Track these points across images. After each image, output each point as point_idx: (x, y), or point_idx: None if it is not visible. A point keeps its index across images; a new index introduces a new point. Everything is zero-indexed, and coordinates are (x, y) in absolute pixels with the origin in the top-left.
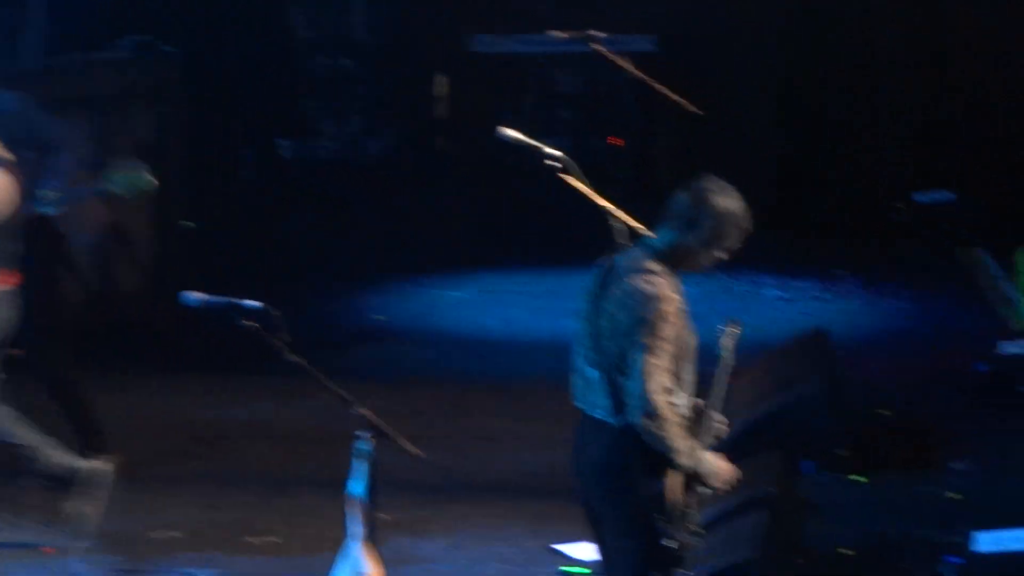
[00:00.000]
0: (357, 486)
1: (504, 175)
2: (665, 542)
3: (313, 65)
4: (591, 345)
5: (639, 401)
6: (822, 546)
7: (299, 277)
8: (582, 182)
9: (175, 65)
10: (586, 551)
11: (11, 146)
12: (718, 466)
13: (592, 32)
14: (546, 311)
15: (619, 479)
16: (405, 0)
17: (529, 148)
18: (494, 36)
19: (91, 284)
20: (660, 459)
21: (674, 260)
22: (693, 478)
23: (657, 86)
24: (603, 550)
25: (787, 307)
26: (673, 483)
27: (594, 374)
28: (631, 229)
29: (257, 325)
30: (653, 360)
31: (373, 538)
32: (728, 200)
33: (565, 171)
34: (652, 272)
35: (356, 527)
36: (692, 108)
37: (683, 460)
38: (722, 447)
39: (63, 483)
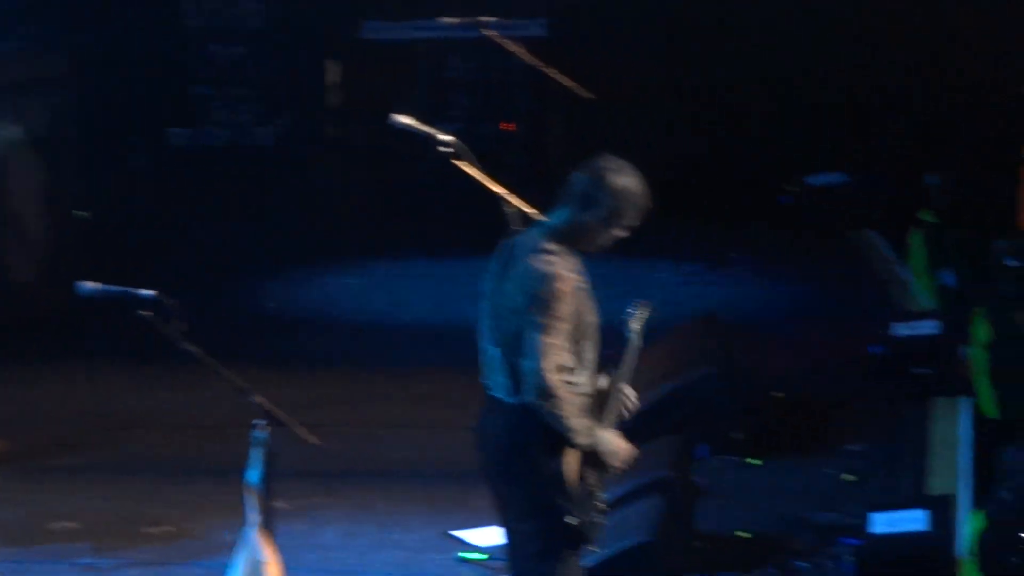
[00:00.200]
0: (253, 474)
1: (397, 161)
2: (568, 519)
3: (204, 53)
4: (492, 325)
5: (533, 379)
6: (719, 529)
7: (193, 265)
8: (475, 168)
9: (66, 55)
10: (484, 537)
11: None
12: (617, 445)
13: (483, 18)
14: (441, 297)
15: (519, 459)
16: None
17: (422, 134)
18: (385, 22)
19: None
20: (558, 438)
21: (572, 239)
22: (593, 457)
23: (548, 71)
24: (508, 532)
25: (681, 291)
26: (573, 462)
27: (495, 353)
28: (524, 214)
29: (152, 314)
30: (547, 339)
31: (269, 525)
32: (625, 178)
33: (458, 157)
34: (549, 252)
35: (253, 515)
36: (583, 92)
37: (580, 439)
38: (619, 430)
39: None
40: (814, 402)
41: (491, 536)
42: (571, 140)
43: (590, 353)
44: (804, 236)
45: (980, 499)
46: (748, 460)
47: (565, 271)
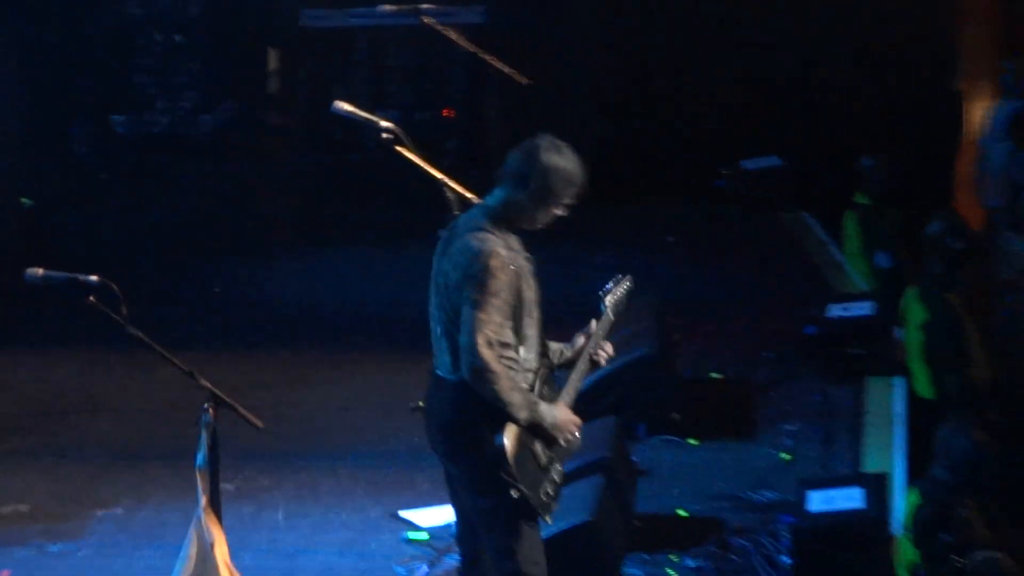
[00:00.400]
0: (200, 456)
1: (337, 147)
2: (512, 493)
3: (146, 41)
4: (436, 304)
5: (467, 354)
6: (658, 508)
7: (136, 251)
8: (415, 153)
9: (7, 43)
10: (430, 517)
11: None
12: (560, 418)
13: (421, 5)
14: (382, 281)
15: (462, 435)
16: None
17: (363, 121)
18: (324, 10)
19: None
20: (499, 413)
21: (509, 218)
22: (541, 431)
23: (486, 57)
24: (463, 510)
25: (618, 271)
26: (515, 436)
27: (439, 332)
28: (463, 198)
29: (97, 300)
30: (481, 315)
31: (217, 506)
32: (558, 156)
33: (399, 143)
34: (484, 230)
35: (200, 497)
36: (520, 78)
37: (519, 413)
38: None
39: None
40: (750, 383)
41: (437, 516)
42: (508, 125)
43: (531, 330)
44: (739, 219)
45: (915, 477)
46: (686, 440)
47: (499, 248)
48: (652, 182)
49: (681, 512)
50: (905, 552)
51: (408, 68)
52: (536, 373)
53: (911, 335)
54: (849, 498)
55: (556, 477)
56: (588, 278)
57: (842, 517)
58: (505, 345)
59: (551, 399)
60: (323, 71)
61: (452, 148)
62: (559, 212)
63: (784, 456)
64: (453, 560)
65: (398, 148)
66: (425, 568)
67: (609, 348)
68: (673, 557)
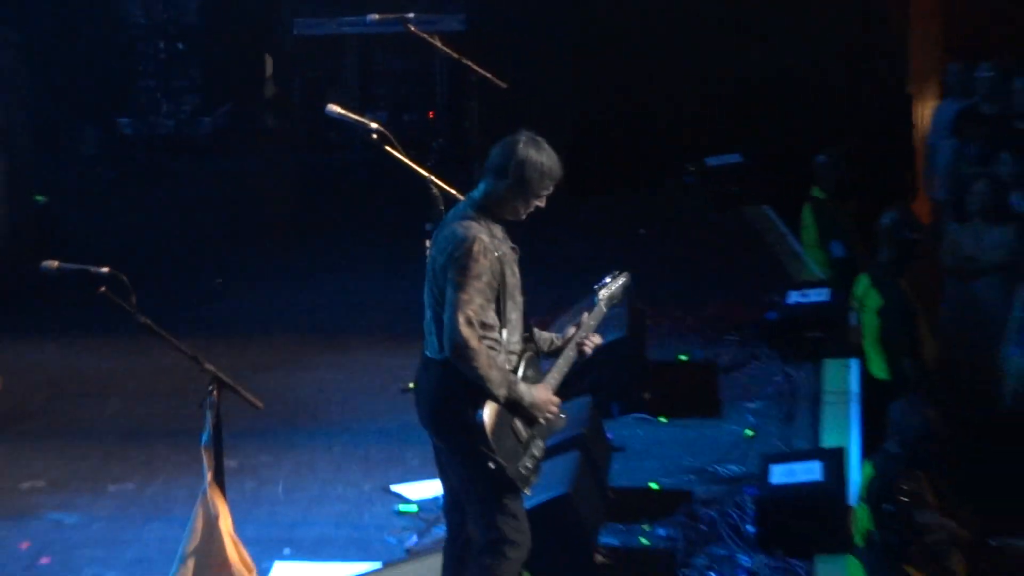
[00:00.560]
0: (205, 435)
1: (330, 147)
2: (490, 465)
3: (149, 48)
4: (427, 289)
5: (449, 332)
6: (631, 481)
7: (142, 244)
8: (402, 152)
9: (19, 51)
10: (420, 491)
11: None
12: (539, 398)
13: (406, 14)
14: (372, 270)
15: (445, 410)
16: None
17: (354, 122)
18: (315, 19)
19: None
20: (480, 390)
21: (491, 208)
22: (521, 410)
23: (466, 62)
24: (450, 484)
25: (591, 261)
26: (494, 412)
27: (429, 315)
28: (447, 193)
29: (107, 290)
30: (463, 295)
31: (221, 482)
32: (535, 150)
33: (387, 143)
34: (469, 219)
35: (205, 473)
36: (498, 82)
37: (497, 389)
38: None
39: None
40: (715, 364)
41: (425, 490)
42: (487, 125)
43: (514, 313)
44: (705, 212)
45: (869, 451)
46: (657, 418)
47: (482, 235)
48: (623, 178)
49: (653, 485)
50: (861, 520)
51: (395, 73)
52: (520, 355)
53: (867, 320)
54: (808, 471)
55: (536, 452)
56: (566, 268)
57: (802, 489)
58: (487, 326)
59: (535, 380)
60: (316, 76)
61: (436, 147)
62: (538, 203)
63: (748, 432)
64: (441, 531)
65: (387, 147)
66: (415, 538)
67: (597, 339)
68: (646, 527)
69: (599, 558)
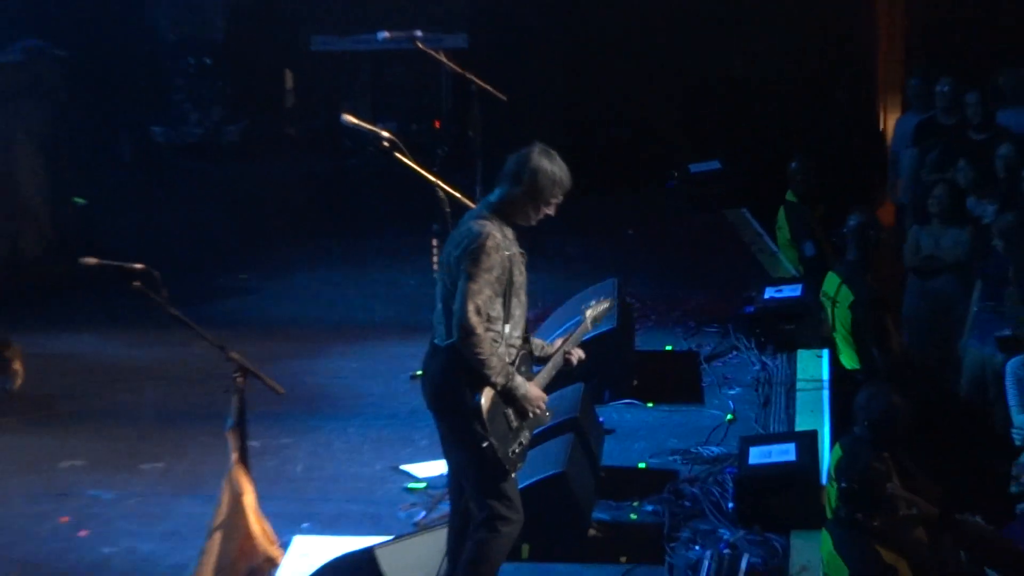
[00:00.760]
0: (230, 418)
1: (344, 154)
2: (484, 445)
3: (180, 63)
4: (440, 282)
5: (458, 318)
6: (621, 461)
7: (173, 242)
8: (411, 159)
9: (62, 65)
10: (428, 470)
11: None
12: (531, 392)
13: (415, 32)
14: (383, 266)
15: (448, 393)
16: (255, 6)
17: (366, 131)
18: (332, 36)
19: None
20: (478, 376)
21: (505, 212)
22: (509, 400)
23: (469, 76)
24: (449, 463)
25: (584, 260)
26: (491, 398)
27: (439, 307)
28: (452, 197)
29: (141, 284)
30: (473, 286)
31: (245, 461)
32: (548, 161)
33: (397, 150)
34: (484, 218)
35: (231, 453)
36: (498, 94)
37: (495, 377)
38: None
39: None
40: (698, 354)
41: (433, 469)
42: (488, 134)
43: (518, 311)
44: (688, 214)
45: (839, 434)
46: (644, 403)
47: (495, 232)
48: (612, 182)
49: (641, 465)
50: (831, 498)
51: (404, 86)
52: (518, 350)
53: (839, 314)
54: (784, 452)
55: (524, 441)
56: (561, 266)
57: (778, 468)
58: (492, 318)
59: (527, 377)
60: (331, 89)
61: (442, 154)
62: (548, 211)
63: (728, 417)
64: (447, 507)
65: (396, 154)
66: (423, 512)
67: (580, 353)
68: (635, 503)
69: (592, 532)
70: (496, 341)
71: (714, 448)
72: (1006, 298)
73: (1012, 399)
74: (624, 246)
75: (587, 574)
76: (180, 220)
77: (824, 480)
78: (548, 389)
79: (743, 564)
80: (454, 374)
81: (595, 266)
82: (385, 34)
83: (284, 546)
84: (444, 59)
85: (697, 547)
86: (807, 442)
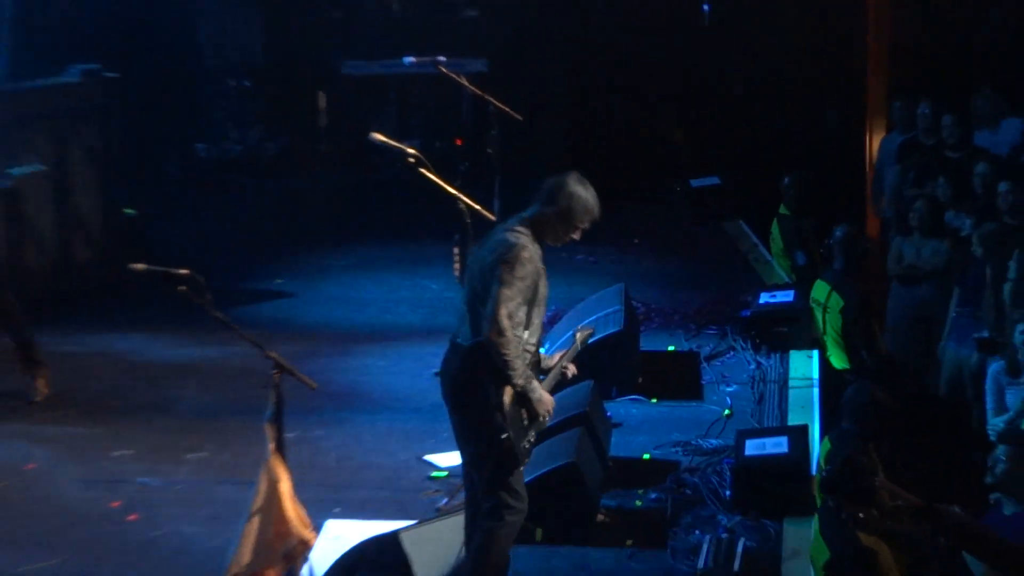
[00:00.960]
0: (268, 412)
1: (372, 169)
2: (503, 437)
3: (222, 85)
4: (467, 287)
5: (490, 320)
6: (627, 453)
7: (215, 249)
8: (434, 174)
9: (114, 87)
10: (449, 459)
11: None
12: (544, 397)
13: (438, 57)
14: (409, 274)
15: (468, 389)
16: (292, 34)
17: (393, 148)
18: (362, 61)
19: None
20: (501, 375)
21: (537, 228)
22: (524, 401)
23: (488, 98)
24: (463, 456)
25: (594, 268)
26: (510, 396)
27: (464, 309)
28: (471, 209)
29: (186, 288)
30: (507, 291)
31: (281, 451)
32: (581, 187)
33: (422, 166)
34: (518, 231)
35: (268, 444)
36: (514, 114)
37: (517, 378)
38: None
39: None
40: (698, 354)
41: (454, 459)
42: (506, 152)
43: (537, 319)
44: (689, 225)
45: (827, 429)
46: (649, 399)
47: (529, 244)
48: (619, 196)
49: (646, 456)
50: (820, 487)
51: (428, 106)
52: (531, 356)
53: (830, 318)
54: (777, 445)
55: (532, 439)
56: (570, 272)
57: (771, 460)
58: (518, 323)
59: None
60: (361, 109)
61: (463, 170)
62: (574, 235)
63: (725, 412)
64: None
65: (421, 169)
66: (445, 499)
67: (574, 368)
68: (640, 491)
69: (600, 517)
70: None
71: (713, 441)
72: (983, 302)
73: (990, 403)
74: (630, 254)
75: (595, 556)
76: (222, 229)
77: (814, 471)
78: (554, 390)
79: (739, 547)
80: (477, 371)
81: (603, 273)
82: (411, 59)
83: (317, 529)
84: (465, 82)
85: (697, 532)
86: (798, 435)
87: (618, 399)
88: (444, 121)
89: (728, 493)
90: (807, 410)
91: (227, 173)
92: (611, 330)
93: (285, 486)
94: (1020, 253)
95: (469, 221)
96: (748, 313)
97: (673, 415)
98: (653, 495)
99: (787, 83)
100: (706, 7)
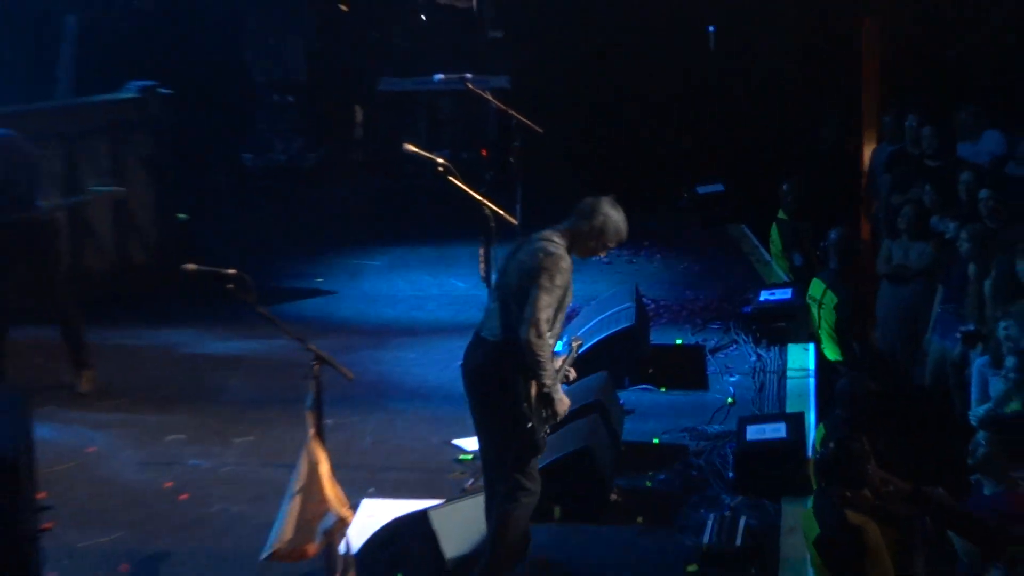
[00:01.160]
0: (309, 400)
1: (404, 177)
2: (528, 424)
3: (267, 100)
4: (498, 285)
5: (529, 323)
6: (638, 438)
7: (260, 251)
8: (461, 182)
9: (169, 102)
10: (474, 443)
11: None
12: (564, 399)
13: (465, 75)
14: (438, 274)
15: (495, 380)
16: (331, 53)
17: (424, 158)
18: (395, 78)
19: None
20: (526, 370)
21: (569, 241)
22: (547, 399)
23: (511, 111)
24: (482, 443)
25: (608, 268)
26: (534, 391)
27: (494, 306)
28: (496, 214)
29: (234, 287)
30: (546, 297)
31: (321, 436)
32: (614, 211)
33: (450, 174)
34: (555, 242)
35: (309, 429)
36: (535, 127)
37: (546, 378)
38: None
39: None
40: (703, 347)
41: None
42: (527, 162)
43: (557, 325)
44: (695, 229)
45: (822, 416)
46: (658, 388)
47: (566, 256)
48: (630, 203)
49: (655, 440)
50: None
51: (455, 120)
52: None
53: (825, 314)
54: (776, 430)
55: (547, 430)
56: (587, 272)
57: (771, 444)
58: (550, 328)
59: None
60: (394, 122)
61: (488, 178)
62: (601, 253)
63: (728, 400)
64: None
65: (449, 178)
66: (470, 480)
67: (574, 373)
68: (650, 473)
69: (614, 497)
70: None
71: (717, 426)
72: (967, 298)
73: (975, 393)
74: (641, 256)
75: (609, 533)
76: (266, 233)
77: (810, 454)
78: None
79: (741, 524)
80: (503, 365)
81: (616, 273)
82: (440, 76)
83: (354, 508)
84: (490, 98)
85: (702, 510)
86: (796, 422)
87: (630, 388)
88: (470, 133)
89: (731, 474)
90: (803, 398)
91: (271, 181)
92: (624, 325)
93: (324, 468)
94: (1000, 254)
95: (493, 225)
96: (749, 309)
97: (681, 403)
98: (662, 476)
99: (787, 101)
100: (711, 28)
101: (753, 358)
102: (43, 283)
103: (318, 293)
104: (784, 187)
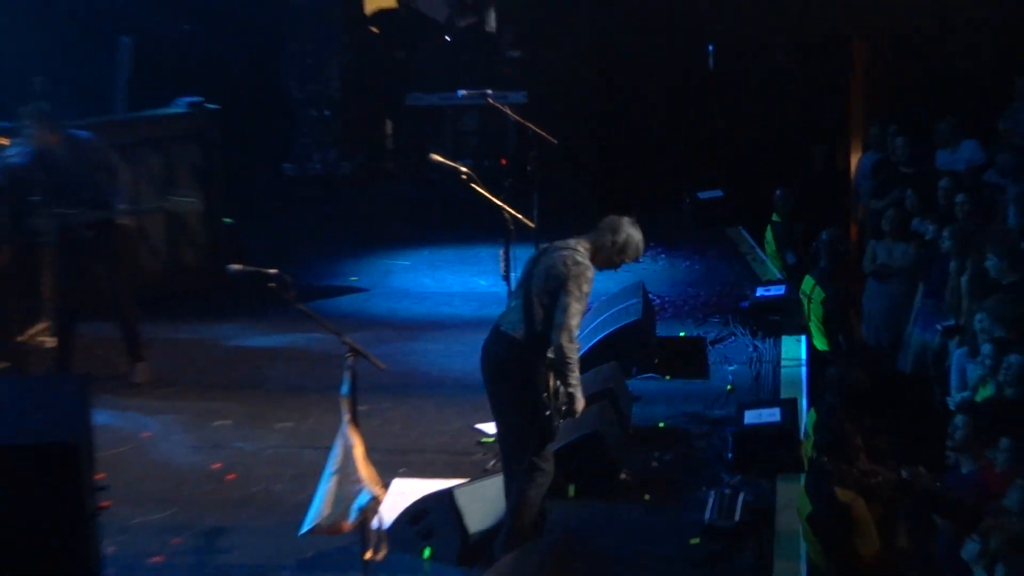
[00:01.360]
0: (344, 388)
1: (431, 184)
2: (548, 413)
3: (305, 114)
4: (522, 284)
5: (562, 328)
6: (645, 423)
7: (300, 252)
8: (483, 189)
9: (215, 116)
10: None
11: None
12: (583, 399)
13: (486, 90)
14: (462, 273)
15: (515, 374)
16: (364, 71)
17: (449, 167)
18: (422, 93)
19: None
20: (547, 367)
21: (592, 252)
22: (569, 396)
23: (528, 124)
24: (500, 430)
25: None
26: (554, 385)
27: (516, 303)
28: (514, 219)
29: (275, 285)
30: (576, 305)
31: (356, 421)
32: (636, 231)
33: (473, 181)
34: (581, 251)
35: (344, 415)
36: (550, 138)
37: (572, 379)
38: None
39: None
40: (704, 339)
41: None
42: (544, 171)
43: (578, 330)
44: (696, 230)
45: (813, 402)
46: (663, 377)
47: (592, 266)
48: (638, 205)
49: (661, 424)
50: (807, 450)
51: (477, 131)
52: None
53: (814, 309)
54: (771, 415)
55: (560, 421)
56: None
57: (767, 427)
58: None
59: None
60: (421, 134)
61: (507, 185)
62: (615, 268)
63: (728, 387)
64: None
65: (472, 185)
66: (492, 461)
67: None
68: (656, 454)
69: (623, 476)
70: None
71: (717, 412)
72: (947, 292)
73: (955, 380)
74: (647, 255)
75: (619, 509)
76: (305, 236)
77: (802, 436)
78: (586, 367)
79: (739, 501)
80: (525, 360)
81: (624, 270)
82: (463, 92)
83: (386, 487)
84: (509, 112)
85: (704, 488)
86: (789, 407)
87: (637, 377)
88: (491, 144)
89: (730, 455)
90: (796, 386)
91: (309, 189)
92: (631, 319)
93: (359, 450)
94: (976, 253)
95: (512, 228)
96: (746, 304)
97: (684, 390)
98: (667, 456)
99: (780, 114)
100: (711, 47)
101: (750, 349)
102: (110, 282)
103: (352, 291)
104: (778, 193)
